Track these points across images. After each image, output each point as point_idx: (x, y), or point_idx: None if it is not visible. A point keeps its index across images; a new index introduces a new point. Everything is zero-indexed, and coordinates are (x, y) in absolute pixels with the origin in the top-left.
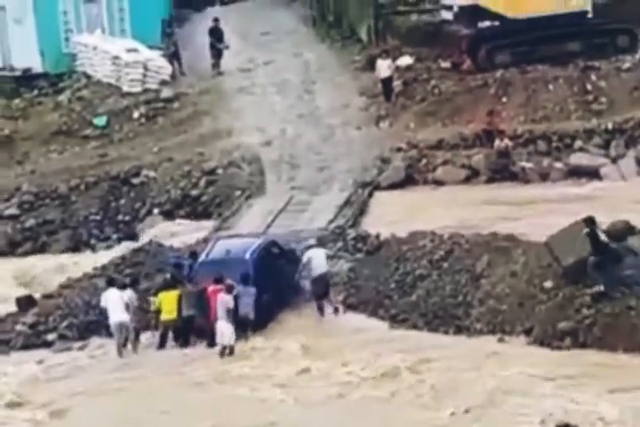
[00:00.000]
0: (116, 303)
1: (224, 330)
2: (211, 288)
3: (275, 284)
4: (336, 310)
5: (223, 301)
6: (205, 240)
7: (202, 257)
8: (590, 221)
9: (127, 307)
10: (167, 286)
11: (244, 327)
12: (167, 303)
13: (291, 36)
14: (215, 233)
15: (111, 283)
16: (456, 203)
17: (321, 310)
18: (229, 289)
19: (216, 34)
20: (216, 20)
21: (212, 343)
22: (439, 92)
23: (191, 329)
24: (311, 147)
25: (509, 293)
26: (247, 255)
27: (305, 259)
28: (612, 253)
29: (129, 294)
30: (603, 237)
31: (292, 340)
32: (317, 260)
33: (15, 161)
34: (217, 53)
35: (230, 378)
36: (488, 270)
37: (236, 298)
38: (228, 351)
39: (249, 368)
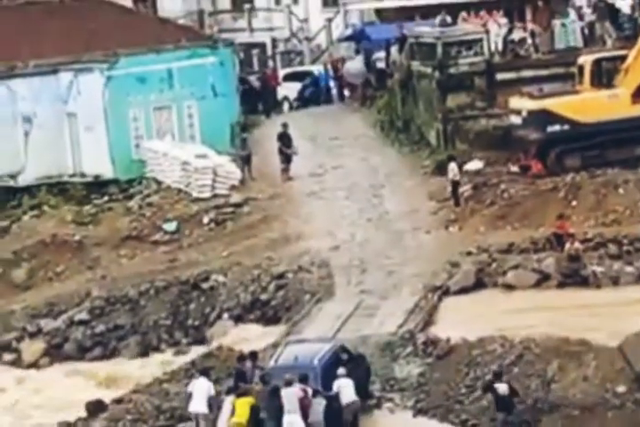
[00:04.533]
0: (200, 393)
1: (293, 422)
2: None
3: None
4: None
5: (290, 393)
6: (275, 345)
7: (271, 363)
8: None
9: (209, 400)
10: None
11: None
12: (240, 408)
13: (359, 141)
14: (285, 338)
15: (204, 373)
16: (526, 307)
17: None
18: (290, 382)
19: (285, 139)
20: (284, 125)
21: None
22: (509, 196)
23: None
24: (380, 251)
25: (581, 397)
26: (315, 361)
27: (335, 388)
28: None
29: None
30: None
31: None
32: (346, 388)
33: (86, 266)
34: (286, 158)
35: None
36: (559, 375)
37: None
38: None
39: None
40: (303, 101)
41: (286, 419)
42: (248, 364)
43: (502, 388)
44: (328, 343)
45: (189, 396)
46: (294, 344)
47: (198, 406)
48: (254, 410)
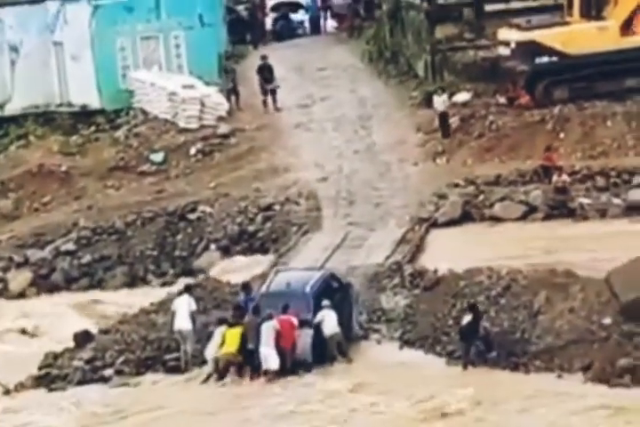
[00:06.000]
0: (182, 310)
1: (267, 356)
2: (278, 319)
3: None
4: None
5: (269, 326)
6: (262, 276)
7: (262, 289)
8: None
9: (192, 315)
10: (229, 324)
11: (301, 368)
12: (230, 338)
13: (347, 72)
14: (272, 269)
15: (186, 289)
16: (513, 239)
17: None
18: (271, 317)
19: (265, 72)
20: (264, 57)
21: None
22: (497, 128)
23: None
24: (368, 183)
25: (568, 329)
26: (308, 288)
27: (318, 318)
28: None
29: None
30: None
31: (347, 375)
32: (329, 320)
33: (73, 197)
34: (268, 91)
35: (283, 415)
36: (546, 307)
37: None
38: (270, 377)
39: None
40: (276, 35)
41: (262, 351)
42: (241, 296)
43: (465, 318)
44: (318, 271)
45: (173, 315)
46: (284, 272)
47: (182, 323)
48: (244, 340)
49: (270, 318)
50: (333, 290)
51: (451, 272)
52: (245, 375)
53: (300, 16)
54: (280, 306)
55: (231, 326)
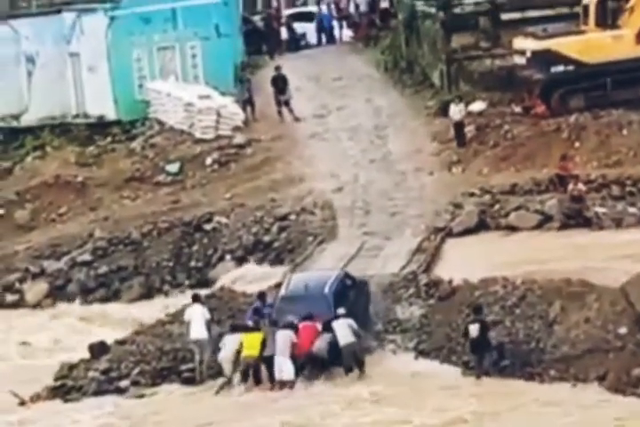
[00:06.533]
0: (197, 319)
1: (282, 365)
2: (301, 325)
3: (351, 317)
4: None
5: (284, 335)
6: (278, 286)
7: (281, 292)
8: None
9: (208, 324)
10: (248, 329)
11: (317, 368)
12: (250, 342)
13: (363, 82)
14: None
15: (196, 299)
16: (529, 249)
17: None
18: (292, 326)
19: (279, 82)
20: (277, 68)
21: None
22: (512, 137)
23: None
24: (383, 192)
25: (583, 339)
26: (326, 290)
27: (335, 327)
28: None
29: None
30: None
31: (362, 386)
32: (344, 330)
33: (89, 207)
34: (280, 101)
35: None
36: (561, 316)
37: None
38: (284, 386)
39: (316, 416)
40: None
41: (276, 360)
42: (257, 304)
43: (473, 330)
44: (332, 271)
45: (188, 324)
46: (300, 274)
47: (199, 332)
48: (264, 345)
49: (286, 326)
50: (349, 288)
51: (466, 282)
52: (262, 381)
53: (301, 28)
54: (299, 309)
55: (248, 331)
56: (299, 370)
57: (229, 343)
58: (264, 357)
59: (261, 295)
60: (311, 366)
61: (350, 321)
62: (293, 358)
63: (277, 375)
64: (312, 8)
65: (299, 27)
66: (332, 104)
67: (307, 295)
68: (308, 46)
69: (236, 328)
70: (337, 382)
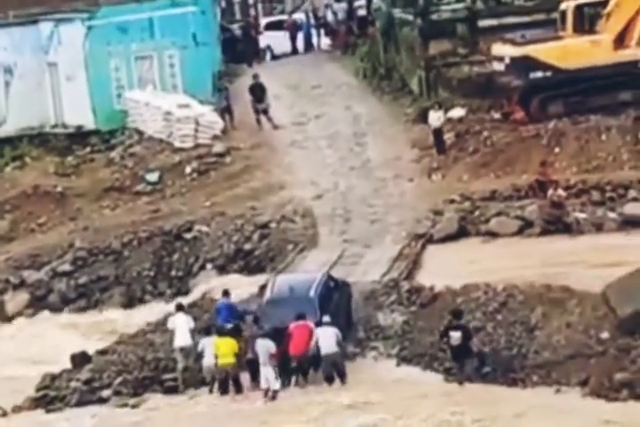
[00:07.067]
0: (181, 327)
1: (268, 375)
2: (293, 325)
3: (334, 319)
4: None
5: (264, 346)
6: (259, 295)
7: (266, 295)
8: None
9: (192, 333)
10: (224, 333)
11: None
12: (224, 347)
13: (341, 89)
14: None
15: (180, 308)
16: (509, 255)
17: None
18: (267, 335)
19: (257, 90)
20: (255, 76)
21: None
22: (492, 144)
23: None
24: (363, 199)
25: (565, 344)
26: (312, 293)
27: (317, 335)
28: None
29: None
30: None
31: (344, 392)
32: (327, 338)
33: (68, 217)
34: (260, 110)
35: None
36: (543, 322)
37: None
38: (271, 396)
39: (299, 423)
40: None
41: (262, 370)
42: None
43: (455, 337)
44: (316, 274)
45: (172, 333)
46: (284, 277)
47: (184, 340)
48: (240, 350)
49: (265, 336)
50: (332, 290)
51: (447, 288)
52: (243, 389)
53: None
54: (285, 312)
55: (220, 335)
56: (292, 373)
57: (208, 348)
58: (247, 360)
59: (226, 293)
60: (300, 370)
61: (336, 330)
62: (284, 362)
63: (263, 384)
64: (296, 16)
65: (270, 36)
66: (311, 112)
67: (292, 298)
68: (275, 57)
69: (209, 331)
70: (319, 389)
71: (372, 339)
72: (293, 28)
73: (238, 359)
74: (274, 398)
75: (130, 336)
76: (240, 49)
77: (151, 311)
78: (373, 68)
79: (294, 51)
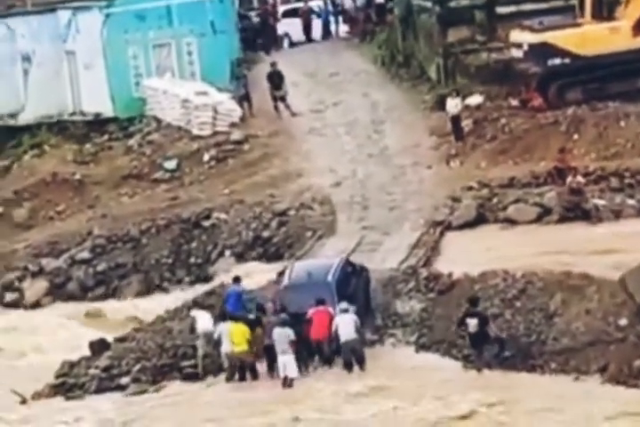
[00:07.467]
0: (203, 313)
1: (286, 363)
2: (312, 311)
3: (353, 304)
4: None
5: (283, 334)
6: (277, 282)
7: (284, 281)
8: None
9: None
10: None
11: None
12: (238, 335)
13: (360, 77)
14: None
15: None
16: (528, 242)
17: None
18: (285, 323)
19: (275, 78)
20: (273, 64)
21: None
22: (510, 131)
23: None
24: (381, 187)
25: (584, 331)
26: (329, 278)
27: (336, 323)
28: None
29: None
30: None
31: (363, 379)
32: (346, 325)
33: (87, 205)
34: (276, 97)
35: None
36: (562, 309)
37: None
38: (288, 384)
39: (317, 410)
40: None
41: (280, 359)
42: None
43: (472, 324)
44: (334, 259)
45: (193, 320)
46: (302, 263)
47: (206, 325)
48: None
49: (283, 324)
50: (350, 275)
51: (465, 275)
52: (260, 377)
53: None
54: (303, 297)
55: (233, 320)
56: (311, 357)
57: (225, 334)
58: (264, 346)
59: (236, 279)
60: (321, 354)
61: (355, 317)
62: (306, 346)
63: (281, 373)
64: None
65: (288, 23)
66: (329, 99)
67: (310, 283)
68: (292, 45)
69: (224, 317)
70: (338, 377)
71: (391, 326)
72: (307, 16)
73: (254, 347)
74: (290, 385)
75: (148, 323)
76: (258, 36)
77: (170, 299)
78: (391, 56)
79: (308, 39)
